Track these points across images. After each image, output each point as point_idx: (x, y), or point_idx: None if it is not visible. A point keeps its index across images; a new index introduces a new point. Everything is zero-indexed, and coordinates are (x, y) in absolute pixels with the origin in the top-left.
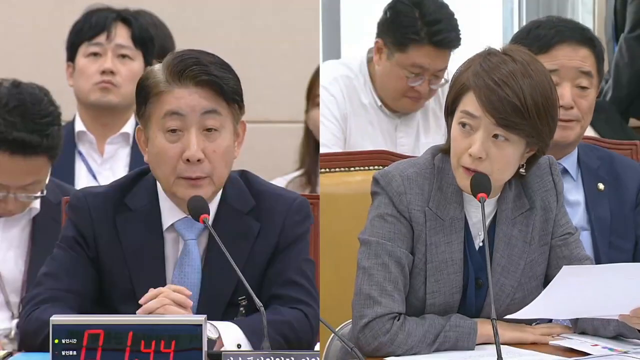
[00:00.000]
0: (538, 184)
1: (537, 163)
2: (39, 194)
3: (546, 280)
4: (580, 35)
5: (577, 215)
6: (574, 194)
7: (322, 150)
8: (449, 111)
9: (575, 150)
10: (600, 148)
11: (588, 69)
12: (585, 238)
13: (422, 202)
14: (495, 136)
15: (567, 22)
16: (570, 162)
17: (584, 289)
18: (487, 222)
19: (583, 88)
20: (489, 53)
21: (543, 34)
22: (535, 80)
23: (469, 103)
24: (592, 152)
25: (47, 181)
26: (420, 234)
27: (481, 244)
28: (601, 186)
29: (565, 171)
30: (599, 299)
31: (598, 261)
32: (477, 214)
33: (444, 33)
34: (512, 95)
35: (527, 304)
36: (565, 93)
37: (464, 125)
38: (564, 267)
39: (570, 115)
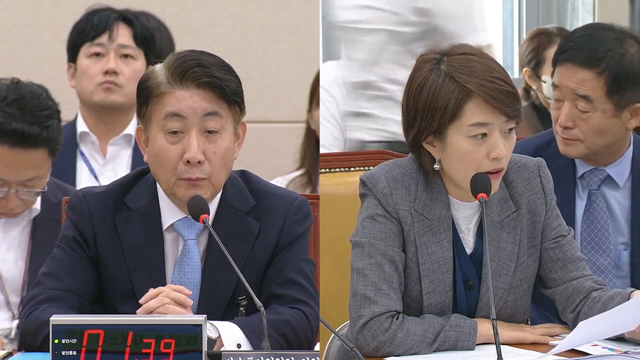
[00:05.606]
0: (525, 187)
1: (524, 166)
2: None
3: (541, 283)
4: (584, 58)
5: (619, 231)
6: (619, 201)
7: (322, 150)
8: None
9: (624, 157)
10: None
11: (585, 92)
12: (624, 258)
13: (408, 202)
14: (509, 130)
15: (586, 38)
16: (616, 170)
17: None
18: (473, 224)
19: (582, 111)
20: (447, 54)
21: (560, 46)
22: (499, 64)
23: (476, 112)
24: None
25: (47, 178)
26: (409, 234)
27: (471, 248)
28: None
29: (609, 178)
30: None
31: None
32: (463, 214)
33: None
34: (507, 85)
35: (518, 307)
36: (562, 111)
37: (478, 136)
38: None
39: (568, 135)
